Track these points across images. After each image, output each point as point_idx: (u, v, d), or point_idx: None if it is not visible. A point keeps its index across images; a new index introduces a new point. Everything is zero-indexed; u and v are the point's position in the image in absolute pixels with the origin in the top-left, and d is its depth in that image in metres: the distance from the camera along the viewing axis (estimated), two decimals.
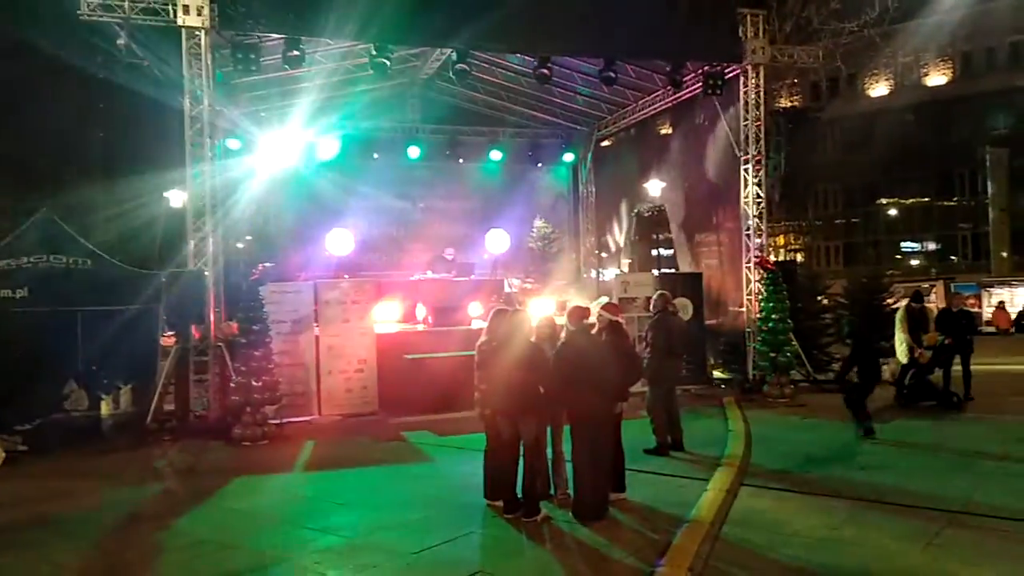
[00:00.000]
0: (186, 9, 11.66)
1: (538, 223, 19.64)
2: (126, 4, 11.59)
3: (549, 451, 7.16)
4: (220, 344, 11.71)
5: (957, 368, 12.57)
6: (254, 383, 10.84)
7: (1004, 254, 38.52)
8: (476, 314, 13.89)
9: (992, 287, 33.94)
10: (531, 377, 6.68)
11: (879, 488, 7.47)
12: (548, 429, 7.05)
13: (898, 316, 12.59)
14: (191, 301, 11.60)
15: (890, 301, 17.47)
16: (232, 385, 11.06)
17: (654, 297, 10.11)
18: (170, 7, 11.73)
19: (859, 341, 10.61)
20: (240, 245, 17.57)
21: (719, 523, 6.46)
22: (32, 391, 10.58)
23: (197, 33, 11.88)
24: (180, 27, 11.77)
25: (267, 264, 11.83)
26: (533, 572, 5.75)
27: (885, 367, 14.10)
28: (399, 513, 7.08)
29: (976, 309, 29.08)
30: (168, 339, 12.24)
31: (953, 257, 42.22)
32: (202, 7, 11.69)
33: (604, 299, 9.39)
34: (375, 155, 18.62)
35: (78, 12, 11.44)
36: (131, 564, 6.01)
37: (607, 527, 6.44)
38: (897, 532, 6.24)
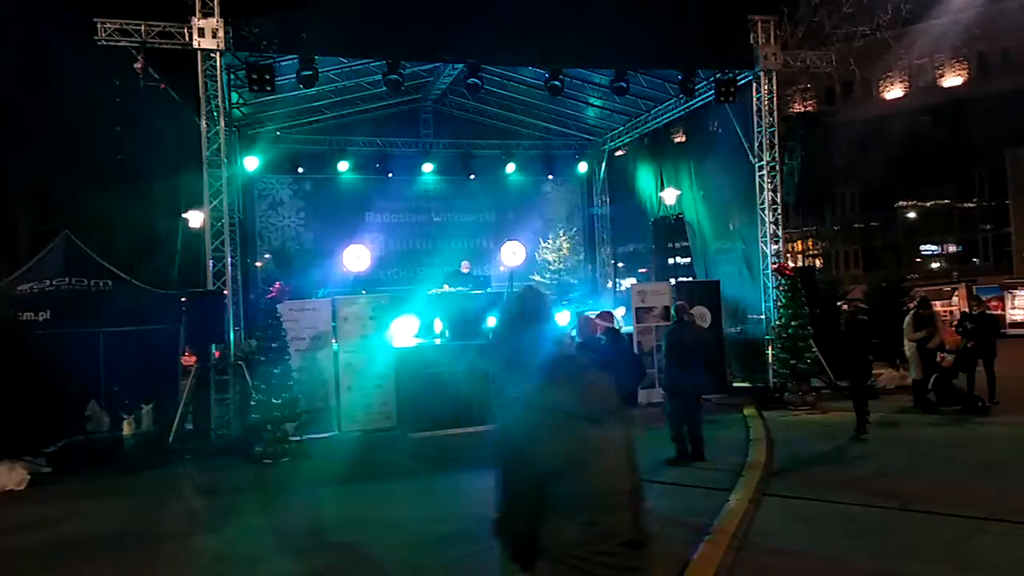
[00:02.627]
0: (201, 32, 11.84)
1: (555, 238, 19.63)
2: (142, 28, 11.79)
3: None
4: (240, 363, 11.79)
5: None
6: (274, 400, 10.89)
7: None
8: (494, 327, 13.88)
9: (1015, 289, 33.48)
10: None
11: (903, 494, 7.37)
12: None
13: (905, 323, 12.57)
14: (211, 321, 11.69)
15: (911, 305, 17.33)
16: (252, 403, 11.13)
17: (672, 307, 10.11)
18: (185, 30, 11.91)
19: (851, 339, 10.64)
20: (258, 264, 17.73)
21: (742, 533, 6.40)
22: (55, 413, 10.70)
23: (212, 55, 12.05)
24: (196, 50, 11.94)
25: (283, 284, 11.89)
26: None
27: (896, 373, 14.03)
28: (417, 529, 7.07)
29: (999, 311, 28.66)
30: (188, 359, 12.35)
31: (975, 259, 41.72)
32: (217, 30, 11.86)
33: (610, 310, 9.45)
34: (390, 174, 18.75)
35: (95, 37, 11.65)
36: None
37: None
38: (922, 539, 6.15)
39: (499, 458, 2.60)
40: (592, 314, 10.28)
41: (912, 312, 12.86)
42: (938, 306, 22.38)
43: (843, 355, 10.85)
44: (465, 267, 16.47)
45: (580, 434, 2.37)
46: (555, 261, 19.48)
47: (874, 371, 10.90)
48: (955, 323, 14.40)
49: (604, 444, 2.43)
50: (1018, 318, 31.01)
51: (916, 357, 12.19)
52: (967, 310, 14.15)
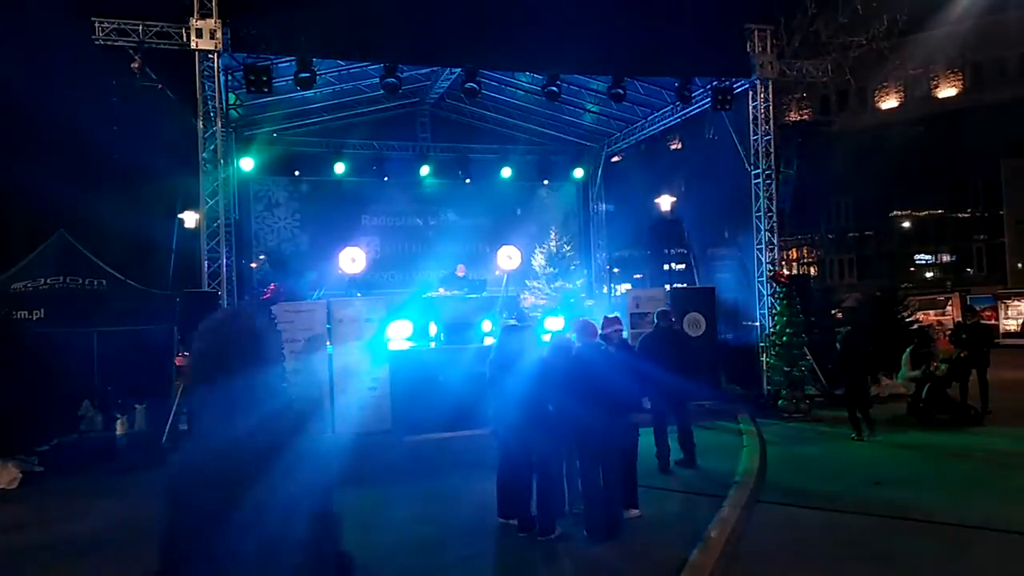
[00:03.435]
0: (199, 33, 11.84)
1: (550, 242, 19.65)
2: (140, 28, 11.79)
3: (564, 467, 7.14)
4: None
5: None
6: None
7: (1021, 265, 38.17)
8: (488, 331, 13.90)
9: (1009, 299, 33.62)
10: (542, 394, 6.68)
11: (896, 503, 7.39)
12: (561, 446, 7.03)
13: (903, 359, 12.93)
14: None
15: (905, 315, 17.41)
16: None
17: (655, 313, 10.06)
18: (183, 31, 11.91)
19: (848, 350, 10.77)
20: (253, 265, 17.70)
21: (735, 540, 6.41)
22: (48, 412, 10.66)
23: (210, 56, 12.05)
24: (193, 50, 11.93)
25: (278, 285, 11.88)
26: None
27: (889, 382, 14.14)
28: (414, 531, 7.06)
29: (993, 322, 28.80)
30: (182, 359, 12.31)
31: (969, 269, 41.87)
32: (215, 30, 11.86)
33: (616, 314, 9.40)
34: (386, 177, 18.76)
35: (93, 37, 11.64)
36: None
37: (621, 544, 6.40)
38: (916, 549, 6.17)
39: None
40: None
41: (910, 349, 13.03)
42: (932, 316, 22.48)
43: (844, 363, 10.98)
44: (460, 271, 16.47)
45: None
46: (550, 266, 19.49)
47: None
48: (949, 333, 14.48)
49: None
50: (1012, 328, 31.15)
51: (910, 374, 12.49)
52: (961, 320, 14.24)
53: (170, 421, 11.22)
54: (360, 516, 7.70)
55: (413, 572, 5.98)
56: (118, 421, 11.01)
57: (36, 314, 11.01)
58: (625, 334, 13.98)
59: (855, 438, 10.65)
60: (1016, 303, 32.87)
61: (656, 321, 9.71)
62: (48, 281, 11.23)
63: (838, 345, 11.96)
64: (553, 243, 19.33)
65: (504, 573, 6.01)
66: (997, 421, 11.82)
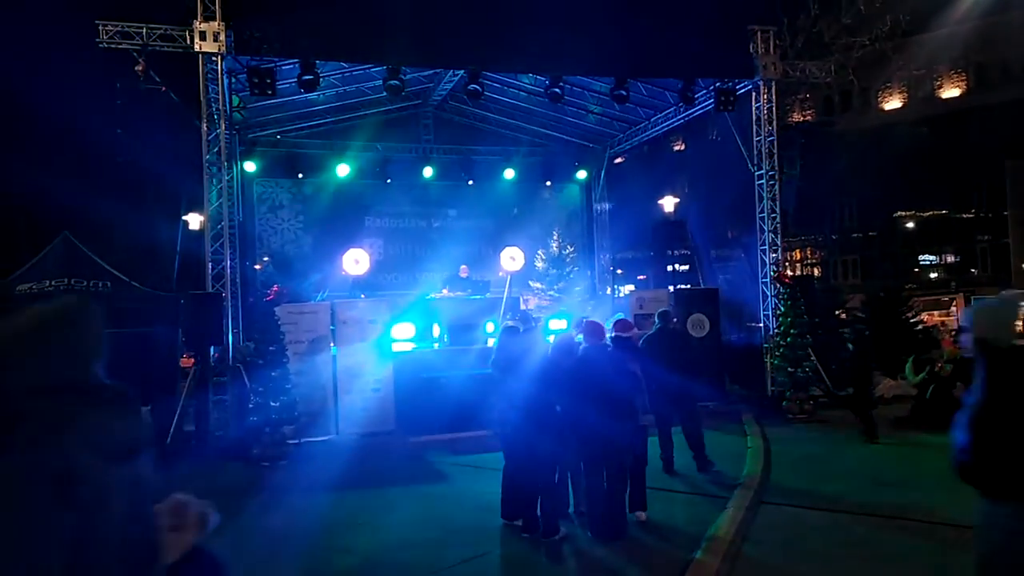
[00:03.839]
0: (203, 36, 11.86)
1: (554, 244, 19.65)
2: (144, 31, 11.81)
3: (567, 469, 7.14)
4: (238, 365, 11.79)
5: None
6: (272, 403, 10.89)
7: None
8: (492, 332, 13.92)
9: None
10: (546, 395, 6.68)
11: (899, 504, 7.38)
12: (566, 447, 7.03)
13: (907, 368, 12.89)
14: (209, 323, 11.70)
15: (909, 316, 17.39)
16: (250, 406, 11.13)
17: (656, 314, 10.04)
18: (187, 34, 11.94)
19: (857, 353, 10.78)
20: (257, 267, 17.74)
21: (739, 541, 6.41)
22: None
23: (214, 59, 12.07)
24: (197, 53, 11.96)
25: (281, 287, 11.90)
26: None
27: (893, 383, 14.13)
28: (417, 532, 7.07)
29: None
30: (187, 361, 12.34)
31: (973, 270, 41.79)
32: (218, 33, 11.88)
33: (620, 315, 9.38)
34: (389, 179, 18.78)
35: (96, 40, 11.67)
36: None
37: (626, 546, 6.41)
38: (918, 550, 6.16)
39: None
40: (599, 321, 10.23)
41: (913, 357, 13.06)
42: (936, 316, 22.42)
43: (850, 365, 11.01)
44: (464, 271, 16.49)
45: None
46: (552, 267, 19.49)
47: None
48: (953, 333, 14.46)
49: None
50: (1016, 328, 31.04)
51: (915, 379, 12.52)
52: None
53: (174, 422, 11.24)
54: (364, 517, 7.74)
55: (416, 572, 5.99)
56: None
57: None
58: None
59: (867, 440, 10.63)
60: (1020, 304, 32.75)
61: (657, 322, 9.71)
62: (53, 283, 11.24)
63: (850, 346, 11.92)
64: (555, 245, 19.34)
65: (508, 573, 6.01)
66: None
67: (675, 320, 10.18)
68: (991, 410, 3.40)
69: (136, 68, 11.94)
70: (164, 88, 13.42)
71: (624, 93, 14.51)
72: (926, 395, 12.20)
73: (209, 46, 11.91)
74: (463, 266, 16.70)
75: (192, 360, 12.00)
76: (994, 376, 3.42)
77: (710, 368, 13.79)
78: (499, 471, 7.24)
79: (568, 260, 19.41)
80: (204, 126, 12.26)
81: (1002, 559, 3.28)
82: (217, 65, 12.10)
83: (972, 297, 30.96)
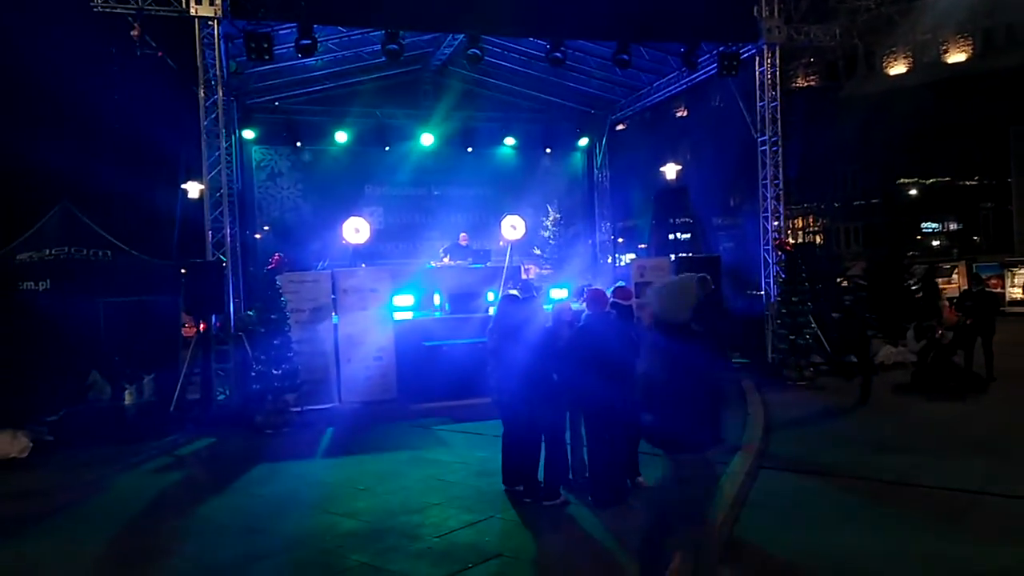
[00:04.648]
0: None
1: (554, 211, 19.53)
2: None
3: (567, 435, 7.17)
4: (240, 333, 11.81)
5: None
6: (274, 371, 10.93)
7: None
8: (492, 301, 13.91)
9: (1015, 267, 33.47)
10: (545, 363, 6.69)
11: (898, 470, 7.42)
12: (566, 414, 7.06)
13: (908, 336, 13.09)
14: (210, 291, 11.69)
15: (911, 283, 17.37)
16: (252, 374, 11.18)
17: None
18: None
19: (850, 319, 10.82)
20: (257, 236, 17.69)
21: (738, 507, 6.45)
22: (57, 382, 10.73)
23: (210, 23, 11.91)
24: (193, 17, 11.80)
25: (281, 255, 11.86)
26: (552, 556, 5.78)
27: (894, 350, 14.17)
28: (419, 498, 7.13)
29: (999, 289, 28.68)
30: (189, 329, 12.36)
31: (975, 237, 41.64)
32: None
33: (621, 283, 9.33)
34: (387, 147, 18.63)
35: (92, 4, 11.50)
36: (156, 549, 6.11)
37: (626, 511, 6.45)
38: (916, 514, 6.21)
39: None
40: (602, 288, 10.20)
41: (915, 324, 13.09)
42: (939, 284, 22.40)
43: (848, 330, 11.07)
44: (463, 239, 16.43)
45: None
46: (553, 235, 19.43)
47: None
48: (954, 300, 14.45)
49: None
50: (1018, 296, 31.02)
51: (915, 345, 12.56)
52: (967, 288, 14.20)
53: (177, 391, 11.29)
54: (367, 482, 7.80)
55: (419, 537, 6.04)
56: (126, 391, 11.06)
57: (42, 284, 11.03)
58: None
59: (860, 402, 10.77)
60: (1022, 271, 32.72)
61: (698, 291, 9.69)
62: (53, 251, 11.24)
63: (835, 315, 11.99)
64: (552, 215, 19.24)
65: (510, 536, 6.07)
66: (1001, 388, 11.84)
67: (714, 288, 10.18)
68: (667, 380, 3.94)
69: (132, 33, 11.77)
70: (160, 54, 13.27)
71: (626, 58, 14.33)
72: (927, 361, 12.24)
73: (205, 10, 11.74)
74: (462, 234, 16.64)
75: (194, 328, 12.01)
76: (669, 349, 3.99)
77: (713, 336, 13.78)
78: (500, 438, 7.28)
79: (568, 228, 19.30)
80: (202, 92, 12.13)
81: (673, 498, 4.07)
82: (213, 30, 11.94)
83: (974, 265, 31.00)
